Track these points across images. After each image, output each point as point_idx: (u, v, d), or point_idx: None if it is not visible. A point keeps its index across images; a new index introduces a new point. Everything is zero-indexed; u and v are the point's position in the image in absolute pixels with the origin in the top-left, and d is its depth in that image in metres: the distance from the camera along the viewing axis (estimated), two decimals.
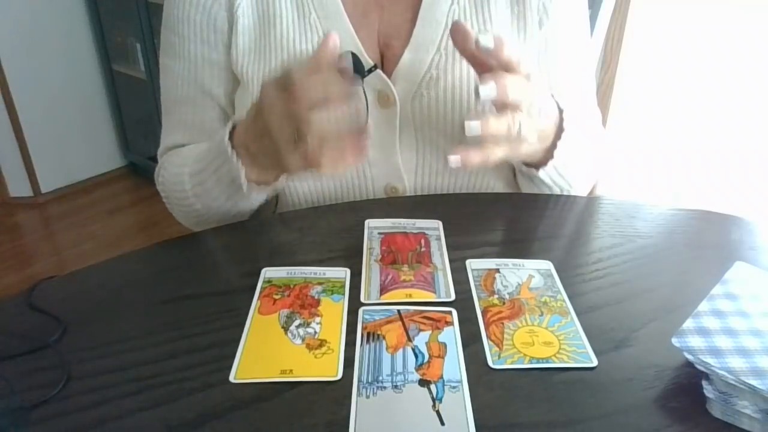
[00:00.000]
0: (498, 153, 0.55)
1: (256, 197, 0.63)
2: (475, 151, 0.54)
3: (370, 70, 0.65)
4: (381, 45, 0.68)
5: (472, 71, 0.66)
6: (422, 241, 0.59)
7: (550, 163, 0.63)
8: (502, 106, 0.54)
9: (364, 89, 0.65)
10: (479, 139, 0.53)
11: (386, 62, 0.68)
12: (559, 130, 0.61)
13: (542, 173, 0.64)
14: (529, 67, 0.55)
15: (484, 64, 0.54)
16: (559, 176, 0.66)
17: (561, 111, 0.61)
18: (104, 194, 2.56)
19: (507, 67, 0.53)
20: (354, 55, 0.64)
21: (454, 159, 0.53)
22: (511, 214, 0.66)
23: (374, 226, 0.62)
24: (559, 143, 0.61)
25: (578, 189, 0.71)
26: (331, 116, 0.50)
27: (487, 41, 0.51)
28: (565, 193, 0.69)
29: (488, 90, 0.51)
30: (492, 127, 0.52)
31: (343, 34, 0.66)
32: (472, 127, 0.51)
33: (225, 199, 0.62)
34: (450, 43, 0.66)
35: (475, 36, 0.53)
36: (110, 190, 2.60)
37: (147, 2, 2.13)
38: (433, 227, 0.62)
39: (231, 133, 0.59)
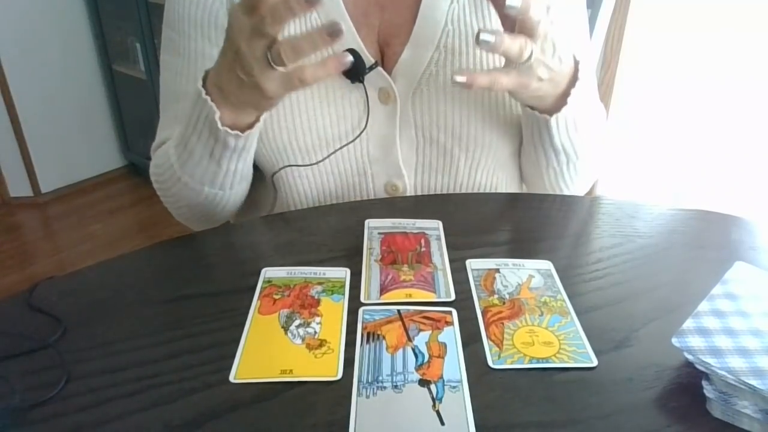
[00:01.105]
0: (505, 80, 0.56)
1: (236, 147, 0.60)
2: (482, 74, 0.54)
3: (371, 68, 0.66)
4: (381, 43, 0.69)
5: (472, 68, 0.67)
6: (422, 241, 0.59)
7: (563, 110, 0.62)
8: (520, 27, 0.54)
9: (365, 86, 0.66)
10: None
11: (386, 60, 0.69)
12: (574, 79, 0.60)
13: (553, 121, 0.63)
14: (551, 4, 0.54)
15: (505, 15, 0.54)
16: (568, 138, 0.65)
17: (577, 62, 0.61)
18: (104, 194, 2.56)
19: None
20: (355, 52, 0.64)
21: (460, 77, 0.53)
22: (511, 214, 0.66)
23: (374, 226, 0.62)
24: (573, 91, 0.61)
25: (582, 172, 0.70)
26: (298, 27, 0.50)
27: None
28: (569, 171, 0.69)
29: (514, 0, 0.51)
30: (505, 42, 0.52)
31: (345, 33, 0.66)
32: (485, 36, 0.51)
33: (208, 157, 0.61)
34: (449, 40, 0.67)
35: None
36: (110, 190, 2.60)
37: (147, 2, 2.12)
38: (433, 227, 0.62)
39: (204, 80, 0.59)
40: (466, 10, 0.67)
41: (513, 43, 0.53)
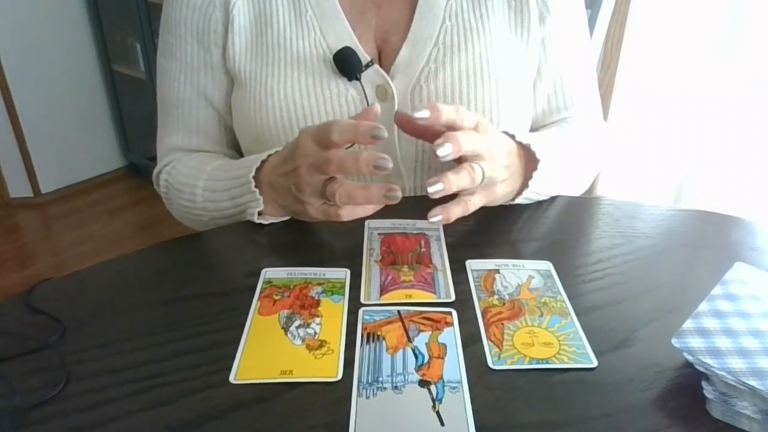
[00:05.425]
0: (475, 200, 0.57)
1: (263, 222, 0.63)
2: (453, 205, 0.56)
3: (367, 65, 0.66)
4: (379, 40, 0.69)
5: (471, 64, 0.67)
6: (422, 242, 0.59)
7: (525, 192, 0.63)
8: (463, 159, 0.56)
9: (362, 85, 0.66)
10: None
11: (384, 57, 0.69)
12: (534, 161, 0.61)
13: (518, 199, 0.65)
14: (473, 118, 0.56)
15: (435, 134, 0.55)
16: (538, 195, 0.66)
17: (511, 136, 0.61)
18: (104, 194, 2.56)
19: (453, 127, 0.55)
20: (350, 49, 0.65)
21: (437, 218, 0.54)
22: (510, 215, 0.66)
23: (374, 226, 0.62)
24: (535, 174, 0.61)
25: (572, 192, 0.71)
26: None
27: (422, 114, 0.53)
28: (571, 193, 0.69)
29: (445, 150, 0.52)
30: (453, 182, 0.53)
31: (340, 31, 0.66)
32: (434, 188, 0.52)
33: (232, 220, 0.64)
34: (448, 36, 0.67)
35: (413, 115, 0.54)
36: (110, 190, 2.60)
37: (147, 2, 2.13)
38: (433, 227, 0.62)
39: (258, 168, 0.60)
40: (464, 6, 0.67)
41: (460, 178, 0.54)
